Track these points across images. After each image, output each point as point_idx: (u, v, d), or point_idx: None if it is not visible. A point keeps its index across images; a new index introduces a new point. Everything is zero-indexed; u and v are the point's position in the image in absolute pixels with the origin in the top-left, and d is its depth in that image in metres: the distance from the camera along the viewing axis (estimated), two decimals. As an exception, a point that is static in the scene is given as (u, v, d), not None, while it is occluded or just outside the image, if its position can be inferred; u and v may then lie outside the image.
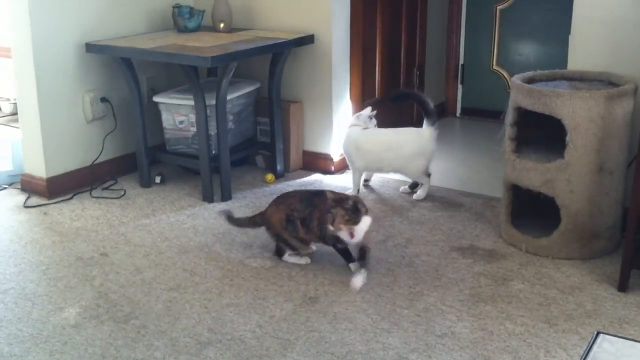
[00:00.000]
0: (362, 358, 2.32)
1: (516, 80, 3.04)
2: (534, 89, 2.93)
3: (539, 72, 3.17)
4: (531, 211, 3.10)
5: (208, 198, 3.61)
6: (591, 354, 2.28)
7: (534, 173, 2.94)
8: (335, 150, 4.01)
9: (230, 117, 3.76)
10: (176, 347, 2.40)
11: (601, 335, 2.38)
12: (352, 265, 2.86)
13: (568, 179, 2.85)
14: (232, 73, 3.50)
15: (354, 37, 4.07)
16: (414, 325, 2.50)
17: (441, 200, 3.60)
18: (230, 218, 3.12)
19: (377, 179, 3.91)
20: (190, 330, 2.49)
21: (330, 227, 2.74)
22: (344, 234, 2.75)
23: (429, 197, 3.63)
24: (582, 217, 2.89)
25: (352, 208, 2.70)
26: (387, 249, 3.08)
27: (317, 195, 2.88)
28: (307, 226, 2.84)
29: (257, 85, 3.99)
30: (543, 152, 2.98)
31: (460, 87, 5.13)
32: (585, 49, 3.16)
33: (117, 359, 2.34)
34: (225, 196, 3.63)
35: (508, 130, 3.06)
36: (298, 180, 3.91)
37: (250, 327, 2.50)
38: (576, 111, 2.79)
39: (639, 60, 2.87)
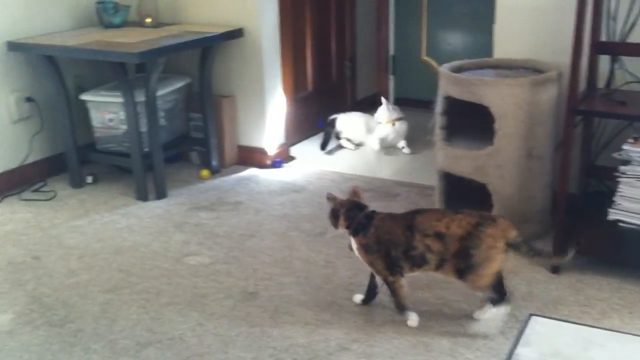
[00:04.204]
0: (304, 351, 2.33)
1: (444, 69, 3.09)
2: (461, 77, 2.98)
3: (466, 61, 3.23)
4: (464, 198, 3.16)
5: (142, 197, 3.55)
6: (524, 335, 2.35)
7: (465, 160, 2.99)
8: (269, 143, 4.00)
9: (162, 114, 3.70)
10: (114, 349, 2.35)
11: (533, 317, 2.46)
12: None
13: (498, 165, 2.91)
14: (161, 68, 3.44)
15: (284, 30, 4.06)
16: (354, 315, 2.52)
17: (378, 190, 3.64)
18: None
19: (315, 172, 3.92)
20: (129, 332, 2.45)
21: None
22: None
23: (365, 188, 3.66)
24: (513, 202, 2.96)
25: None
26: (325, 241, 3.09)
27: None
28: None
29: (188, 80, 3.94)
30: (473, 139, 3.04)
31: (391, 77, 5.18)
32: (510, 37, 3.24)
33: (54, 365, 2.29)
34: (160, 194, 3.57)
35: (438, 119, 3.11)
36: (234, 176, 3.88)
37: (190, 326, 2.47)
38: (503, 98, 2.85)
39: (561, 46, 2.95)
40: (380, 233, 2.41)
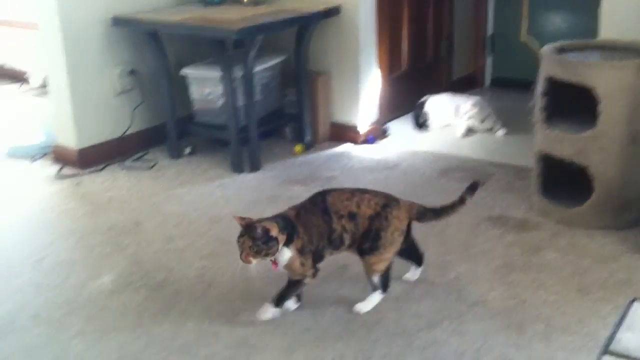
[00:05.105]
0: (394, 325, 2.33)
1: (547, 50, 3.01)
2: (565, 59, 2.90)
3: (569, 42, 3.13)
4: (561, 181, 3.09)
5: (237, 169, 3.63)
6: (627, 319, 2.28)
7: (566, 143, 2.91)
8: (362, 121, 4.00)
9: (258, 89, 3.76)
10: (210, 313, 2.43)
11: (636, 302, 2.37)
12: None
13: (600, 148, 2.82)
14: (258, 45, 3.49)
15: (381, 8, 4.04)
16: (445, 293, 2.51)
17: (471, 170, 3.59)
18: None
19: (408, 150, 3.91)
20: (224, 297, 2.52)
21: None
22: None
23: (458, 168, 3.62)
24: (614, 187, 2.86)
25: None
26: (416, 219, 3.08)
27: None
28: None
29: (284, 56, 3.99)
30: (574, 122, 2.95)
31: (490, 57, 5.08)
32: (616, 18, 3.12)
33: (152, 324, 2.38)
34: (255, 167, 3.65)
35: (539, 100, 3.03)
36: (327, 152, 3.92)
37: (283, 295, 2.52)
38: (608, 81, 2.76)
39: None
40: (307, 228, 2.29)
